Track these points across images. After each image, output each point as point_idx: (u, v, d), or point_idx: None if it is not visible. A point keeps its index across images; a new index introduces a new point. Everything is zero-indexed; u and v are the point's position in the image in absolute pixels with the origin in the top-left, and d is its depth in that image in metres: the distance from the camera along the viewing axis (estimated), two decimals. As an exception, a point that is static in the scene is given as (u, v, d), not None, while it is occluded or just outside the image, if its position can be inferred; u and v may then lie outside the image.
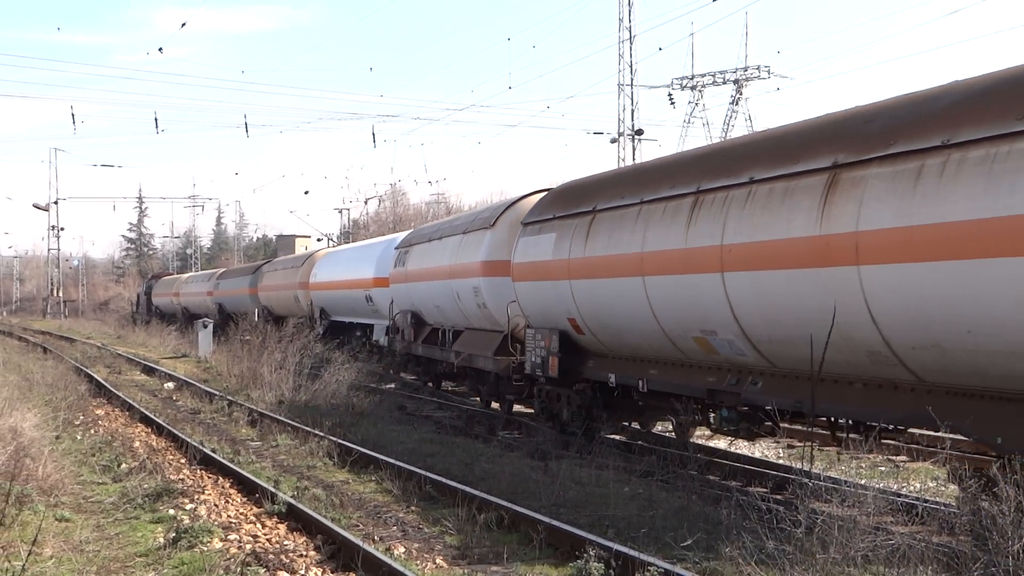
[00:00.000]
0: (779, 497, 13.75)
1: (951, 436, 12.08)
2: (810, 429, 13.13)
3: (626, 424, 19.76)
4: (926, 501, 13.38)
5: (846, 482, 13.39)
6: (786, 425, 13.65)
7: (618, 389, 17.49)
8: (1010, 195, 9.24)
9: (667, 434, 19.40)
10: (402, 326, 28.91)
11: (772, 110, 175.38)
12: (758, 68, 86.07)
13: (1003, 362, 9.75)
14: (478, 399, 23.66)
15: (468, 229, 24.57)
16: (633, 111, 51.79)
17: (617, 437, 19.23)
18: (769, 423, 13.88)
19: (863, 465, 15.83)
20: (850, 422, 12.55)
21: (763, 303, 12.78)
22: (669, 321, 14.98)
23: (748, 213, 12.99)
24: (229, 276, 62.72)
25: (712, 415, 15.40)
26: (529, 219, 20.32)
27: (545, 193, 21.57)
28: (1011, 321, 9.44)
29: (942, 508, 12.59)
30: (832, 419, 13.02)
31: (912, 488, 14.98)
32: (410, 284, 28.48)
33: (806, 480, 11.71)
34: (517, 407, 22.75)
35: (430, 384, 28.77)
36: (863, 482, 13.36)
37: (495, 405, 23.70)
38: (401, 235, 34.76)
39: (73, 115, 61.97)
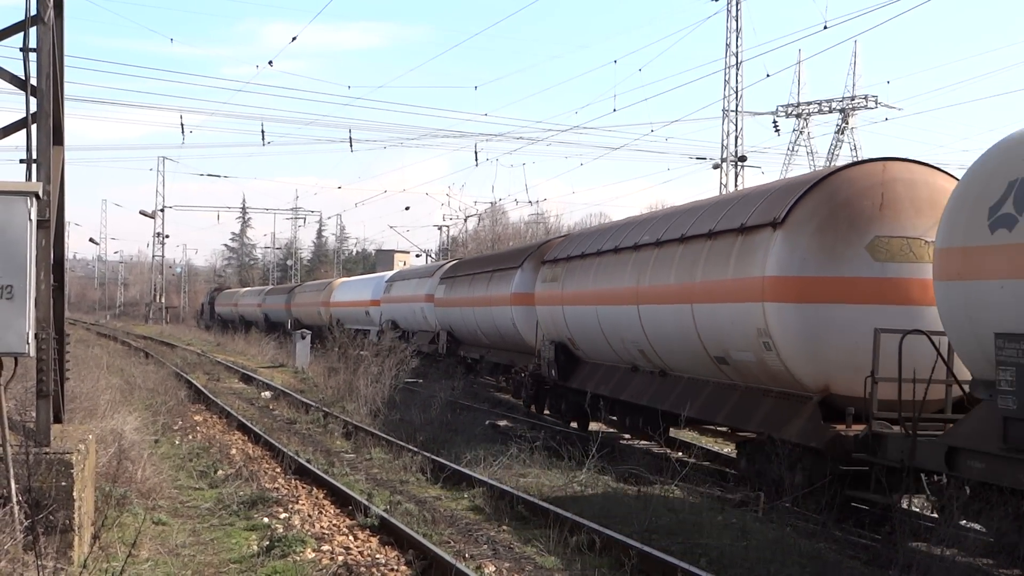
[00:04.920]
0: (877, 535, 13.52)
1: None
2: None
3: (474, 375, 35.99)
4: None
5: (946, 522, 13.12)
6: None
7: (471, 361, 36.43)
8: (500, 286, 31.97)
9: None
10: (386, 329, 43.32)
11: (879, 141, 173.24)
12: (865, 98, 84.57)
13: (502, 342, 33.14)
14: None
15: (422, 275, 44.36)
16: (737, 137, 51.40)
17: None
18: (501, 373, 32.77)
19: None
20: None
21: (483, 322, 33.31)
22: (471, 327, 35.29)
23: (473, 285, 34.57)
24: (273, 293, 79.91)
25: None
26: (442, 275, 40.08)
27: (455, 262, 43.85)
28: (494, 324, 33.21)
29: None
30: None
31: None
32: (392, 304, 47.22)
33: (905, 519, 11.52)
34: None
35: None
36: (963, 523, 13.08)
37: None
38: (388, 274, 54.90)
39: (182, 125, 62.62)
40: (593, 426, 23.69)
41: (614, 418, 23.06)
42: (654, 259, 19.26)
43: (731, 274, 16.03)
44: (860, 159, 16.28)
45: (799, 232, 14.75)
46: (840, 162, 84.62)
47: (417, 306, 42.16)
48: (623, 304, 20.29)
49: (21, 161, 10.11)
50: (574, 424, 24.62)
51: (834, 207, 14.72)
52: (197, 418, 24.11)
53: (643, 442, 22.19)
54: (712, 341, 16.82)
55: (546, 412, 26.13)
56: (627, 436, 22.81)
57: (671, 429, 20.05)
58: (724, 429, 20.51)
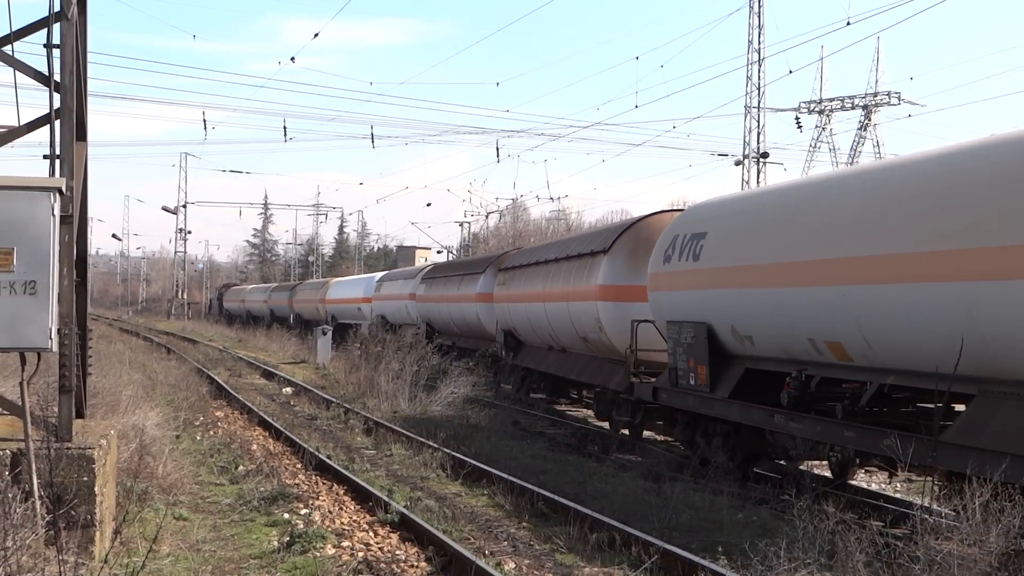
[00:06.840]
0: (897, 532, 13.47)
1: None
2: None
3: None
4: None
5: (967, 519, 13.05)
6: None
7: (446, 347, 37.65)
8: (468, 287, 37.62)
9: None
10: (376, 323, 50.15)
11: (902, 137, 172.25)
12: (888, 94, 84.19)
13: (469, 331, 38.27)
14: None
15: (406, 277, 49.83)
16: (759, 134, 51.21)
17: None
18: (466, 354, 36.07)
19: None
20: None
21: (455, 315, 38.94)
22: (445, 319, 40.59)
23: (448, 286, 39.94)
24: (277, 290, 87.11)
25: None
26: (423, 276, 45.30)
27: (433, 265, 50.27)
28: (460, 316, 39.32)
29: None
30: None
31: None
32: (382, 302, 52.26)
33: (926, 516, 11.45)
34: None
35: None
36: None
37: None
38: (378, 275, 59.52)
39: (205, 121, 62.89)
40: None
41: (542, 385, 30.67)
42: (552, 271, 27.00)
43: (584, 283, 23.81)
44: (662, 209, 24.29)
45: (617, 256, 22.72)
46: (862, 159, 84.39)
47: (402, 303, 48.45)
48: (538, 302, 27.90)
49: (44, 157, 10.16)
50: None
51: (638, 241, 22.42)
52: (218, 414, 24.18)
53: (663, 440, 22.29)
54: (579, 327, 24.42)
55: (503, 385, 32.32)
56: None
57: (571, 391, 29.60)
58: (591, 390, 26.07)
